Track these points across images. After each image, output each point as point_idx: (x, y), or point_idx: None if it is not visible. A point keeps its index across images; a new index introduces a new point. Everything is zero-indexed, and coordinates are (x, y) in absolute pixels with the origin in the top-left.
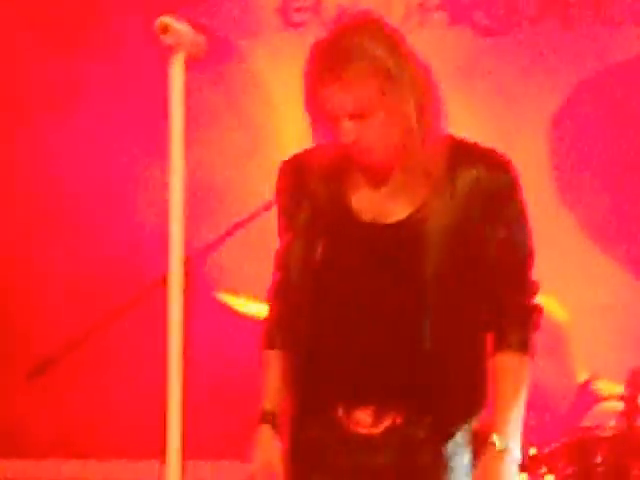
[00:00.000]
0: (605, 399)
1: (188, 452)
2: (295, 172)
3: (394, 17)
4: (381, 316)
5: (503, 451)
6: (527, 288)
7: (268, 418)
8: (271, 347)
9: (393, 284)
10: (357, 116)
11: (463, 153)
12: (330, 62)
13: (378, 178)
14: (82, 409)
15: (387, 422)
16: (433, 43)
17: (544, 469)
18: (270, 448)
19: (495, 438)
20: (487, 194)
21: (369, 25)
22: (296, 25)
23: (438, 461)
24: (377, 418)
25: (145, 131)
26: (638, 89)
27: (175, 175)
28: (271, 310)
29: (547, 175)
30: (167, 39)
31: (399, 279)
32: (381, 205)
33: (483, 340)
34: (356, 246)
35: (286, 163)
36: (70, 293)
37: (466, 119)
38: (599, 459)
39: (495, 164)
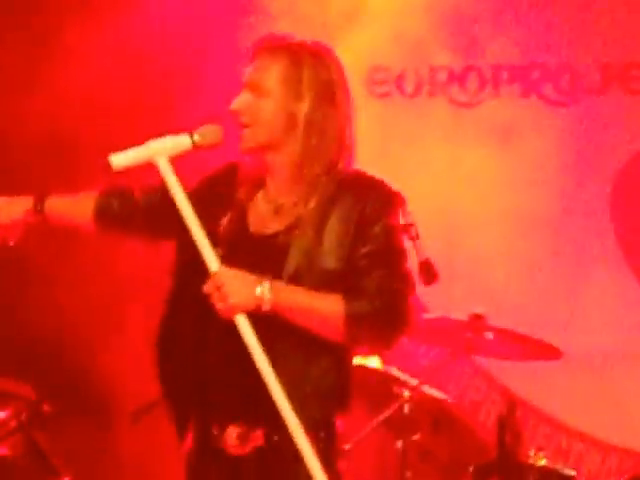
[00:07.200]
0: None
1: None
2: (226, 177)
3: (469, 88)
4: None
5: (260, 298)
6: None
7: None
8: None
9: None
10: (253, 88)
11: (352, 181)
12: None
13: (270, 194)
14: None
15: (252, 444)
16: (505, 112)
17: None
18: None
19: (265, 284)
20: (359, 216)
21: (321, 51)
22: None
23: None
24: (243, 439)
25: None
26: None
27: None
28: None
29: (609, 232)
30: None
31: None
32: (266, 218)
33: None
34: (241, 256)
35: (225, 166)
36: None
37: (530, 182)
38: None
39: (375, 191)
